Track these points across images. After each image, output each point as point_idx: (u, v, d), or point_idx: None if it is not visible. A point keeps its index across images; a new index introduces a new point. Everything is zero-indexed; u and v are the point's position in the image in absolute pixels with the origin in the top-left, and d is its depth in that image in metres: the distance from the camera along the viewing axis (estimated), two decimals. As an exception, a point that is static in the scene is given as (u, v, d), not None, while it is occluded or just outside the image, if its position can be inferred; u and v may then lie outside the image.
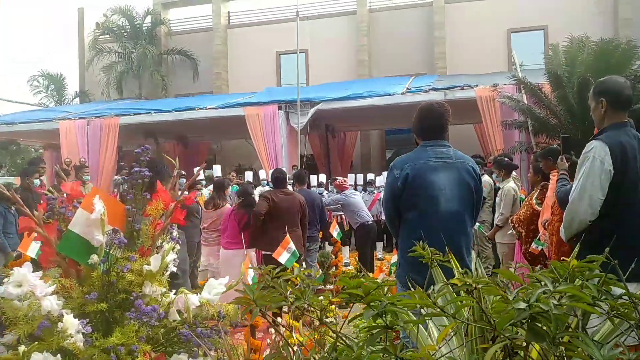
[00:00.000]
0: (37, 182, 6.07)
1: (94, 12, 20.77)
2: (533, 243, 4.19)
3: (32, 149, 20.95)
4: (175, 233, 2.34)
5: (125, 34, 19.48)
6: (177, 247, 2.28)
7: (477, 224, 5.66)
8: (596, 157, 2.42)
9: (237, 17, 20.22)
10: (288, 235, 4.48)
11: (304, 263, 5.43)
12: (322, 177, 10.38)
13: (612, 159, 2.40)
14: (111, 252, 2.08)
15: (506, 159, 6.35)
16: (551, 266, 1.02)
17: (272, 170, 6.77)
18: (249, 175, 10.12)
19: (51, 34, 52.97)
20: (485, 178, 6.05)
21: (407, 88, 12.23)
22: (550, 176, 4.02)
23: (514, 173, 6.12)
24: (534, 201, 4.32)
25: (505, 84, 10.74)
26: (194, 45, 19.63)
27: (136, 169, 2.17)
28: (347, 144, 16.54)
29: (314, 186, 10.06)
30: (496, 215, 5.63)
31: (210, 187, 9.99)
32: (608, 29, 15.16)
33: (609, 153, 2.40)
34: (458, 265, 1.57)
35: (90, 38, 19.75)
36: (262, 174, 10.88)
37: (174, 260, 2.22)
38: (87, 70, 19.68)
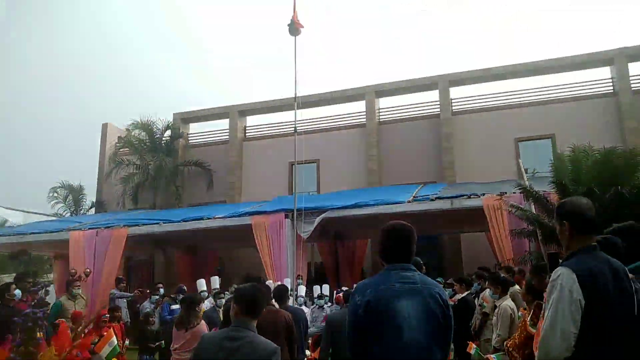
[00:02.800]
0: (18, 292, 5.89)
1: (116, 127, 21.90)
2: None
3: (46, 257, 21.09)
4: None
5: (144, 147, 20.28)
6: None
7: (474, 347, 5.20)
8: (564, 285, 2.20)
9: (252, 130, 21.04)
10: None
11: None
12: (325, 288, 9.97)
13: (582, 288, 2.16)
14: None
15: (503, 275, 6.00)
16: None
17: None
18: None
19: (73, 146, 55.80)
20: (487, 293, 5.68)
21: (414, 196, 12.17)
22: (545, 295, 3.70)
23: (517, 287, 5.74)
24: (528, 322, 3.95)
25: (513, 193, 10.62)
26: (209, 157, 20.27)
27: (28, 310, 1.99)
28: (357, 252, 16.20)
29: (316, 298, 9.64)
30: (494, 336, 5.18)
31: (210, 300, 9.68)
32: (615, 137, 15.22)
33: (577, 281, 2.19)
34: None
35: (112, 151, 20.59)
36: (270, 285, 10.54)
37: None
38: (106, 182, 20.29)
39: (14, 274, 21.88)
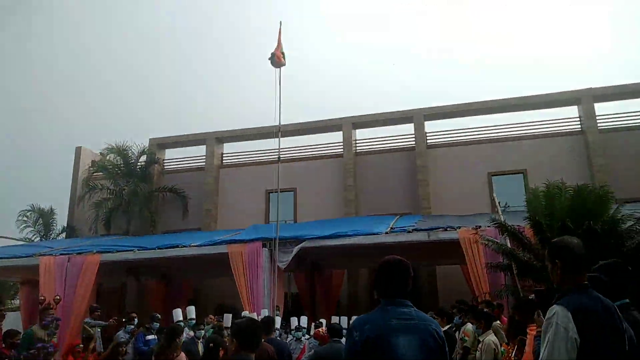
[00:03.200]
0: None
1: (90, 151, 21.58)
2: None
3: (11, 283, 20.39)
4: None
5: (119, 171, 20.01)
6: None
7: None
8: (560, 324, 2.29)
9: (229, 157, 21.03)
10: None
11: None
12: (303, 320, 9.89)
13: (577, 326, 2.26)
14: None
15: (485, 309, 6.11)
16: None
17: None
18: (228, 319, 9.61)
19: (44, 169, 54.59)
20: (469, 327, 5.76)
21: (391, 228, 12.30)
22: (528, 330, 3.81)
23: (497, 322, 5.84)
24: (513, 358, 4.04)
25: (488, 226, 10.84)
26: (185, 183, 20.11)
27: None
28: (334, 282, 16.18)
29: (293, 330, 9.56)
30: (477, 373, 5.25)
31: (187, 331, 9.49)
32: (584, 173, 15.82)
33: (571, 319, 2.28)
34: None
35: (85, 175, 20.23)
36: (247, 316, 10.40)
37: None
38: (78, 206, 19.87)
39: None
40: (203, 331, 8.66)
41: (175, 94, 68.73)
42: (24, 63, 65.58)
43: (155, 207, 19.96)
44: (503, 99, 17.93)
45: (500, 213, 11.00)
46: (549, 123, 17.56)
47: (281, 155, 16.23)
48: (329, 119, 19.65)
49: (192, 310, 9.78)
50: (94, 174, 20.33)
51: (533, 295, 3.64)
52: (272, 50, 11.57)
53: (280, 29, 11.81)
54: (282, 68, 11.80)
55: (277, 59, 11.49)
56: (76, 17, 67.14)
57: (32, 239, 20.11)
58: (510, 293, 9.55)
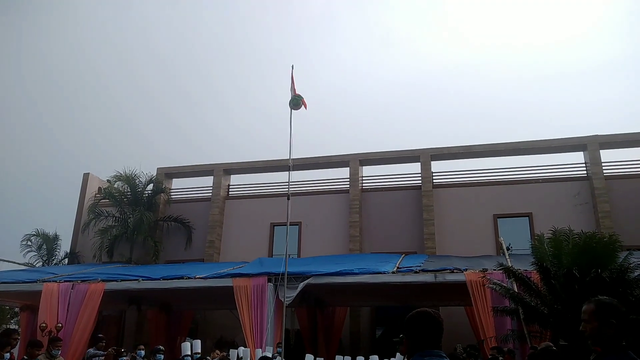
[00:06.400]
0: (7, 356, 5.69)
1: (98, 178, 21.76)
2: None
3: (7, 307, 20.23)
4: None
5: (125, 199, 20.12)
6: None
7: None
8: None
9: (236, 189, 21.16)
10: None
11: None
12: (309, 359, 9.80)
13: None
14: None
15: (497, 356, 6.10)
16: None
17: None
18: (234, 354, 9.51)
19: (49, 194, 54.80)
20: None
21: (398, 267, 12.30)
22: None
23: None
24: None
25: (494, 270, 10.84)
26: (190, 213, 20.18)
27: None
28: (337, 320, 16.02)
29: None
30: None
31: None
32: (589, 219, 15.90)
33: None
34: None
35: (91, 202, 20.34)
36: (243, 352, 10.30)
37: None
38: (83, 233, 19.91)
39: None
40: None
41: (185, 123, 69.50)
42: (34, 86, 66.64)
43: (160, 236, 19.99)
44: (510, 142, 18.14)
45: (507, 257, 11.02)
46: (554, 168, 17.72)
47: (286, 189, 16.36)
48: (337, 155, 19.84)
49: (197, 344, 9.72)
50: (101, 200, 20.43)
51: (548, 344, 3.66)
52: (293, 94, 11.44)
53: (292, 73, 11.95)
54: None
55: (303, 103, 11.37)
56: (90, 42, 68.56)
57: (35, 264, 20.07)
58: (516, 338, 9.50)
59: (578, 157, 17.83)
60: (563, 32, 63.09)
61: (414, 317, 2.84)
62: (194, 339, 10.45)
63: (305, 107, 11.02)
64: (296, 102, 10.76)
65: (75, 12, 68.10)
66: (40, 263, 20.06)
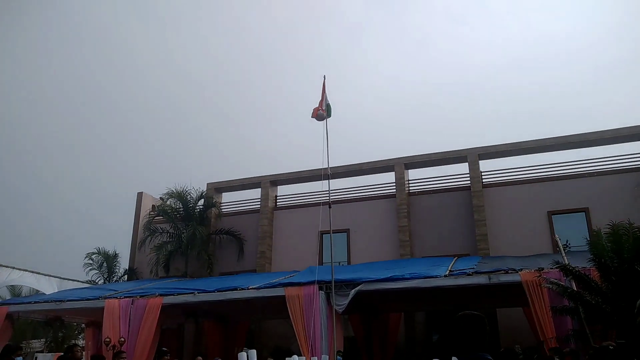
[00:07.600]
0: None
1: (151, 196, 22.57)
2: None
3: (75, 324, 21.19)
4: None
5: (178, 215, 20.77)
6: None
7: None
8: None
9: (283, 200, 21.45)
10: None
11: None
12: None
13: None
14: None
15: (556, 358, 5.91)
16: None
17: None
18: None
19: (106, 214, 57.20)
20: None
21: (450, 270, 12.10)
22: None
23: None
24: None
25: (551, 268, 10.49)
26: (241, 226, 20.61)
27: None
28: (391, 326, 15.91)
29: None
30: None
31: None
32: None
33: None
34: None
35: (146, 220, 21.12)
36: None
37: None
38: (140, 249, 20.68)
39: (43, 339, 22.04)
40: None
41: (231, 138, 71.10)
42: (90, 110, 69.90)
43: (213, 249, 20.49)
44: (560, 136, 17.54)
45: (564, 254, 10.64)
46: (610, 160, 16.99)
47: (333, 197, 16.45)
48: (381, 160, 19.78)
49: (253, 355, 9.86)
50: (155, 218, 21.16)
51: (608, 344, 3.53)
52: (316, 107, 12.09)
53: (324, 83, 12.26)
54: (334, 112, 12.24)
55: (314, 112, 11.99)
56: (139, 63, 71.39)
57: (97, 281, 20.99)
58: (578, 338, 9.14)
59: (634, 147, 17.04)
60: (612, 18, 60.53)
61: (457, 320, 2.83)
62: (250, 349, 10.59)
63: (322, 114, 11.42)
64: (329, 111, 11.07)
65: (145, 33, 71.13)
66: (102, 280, 20.96)
